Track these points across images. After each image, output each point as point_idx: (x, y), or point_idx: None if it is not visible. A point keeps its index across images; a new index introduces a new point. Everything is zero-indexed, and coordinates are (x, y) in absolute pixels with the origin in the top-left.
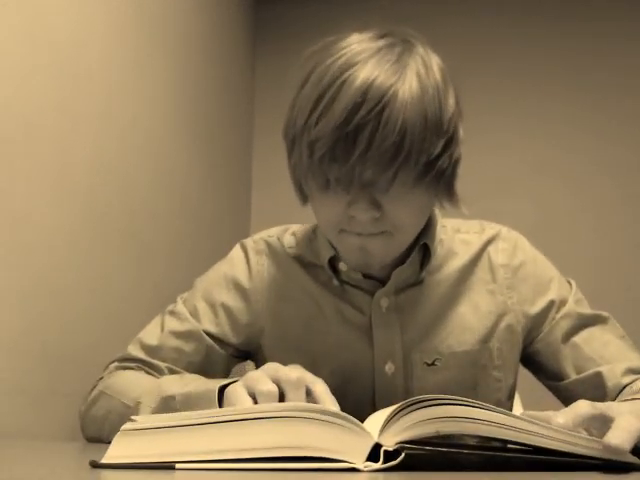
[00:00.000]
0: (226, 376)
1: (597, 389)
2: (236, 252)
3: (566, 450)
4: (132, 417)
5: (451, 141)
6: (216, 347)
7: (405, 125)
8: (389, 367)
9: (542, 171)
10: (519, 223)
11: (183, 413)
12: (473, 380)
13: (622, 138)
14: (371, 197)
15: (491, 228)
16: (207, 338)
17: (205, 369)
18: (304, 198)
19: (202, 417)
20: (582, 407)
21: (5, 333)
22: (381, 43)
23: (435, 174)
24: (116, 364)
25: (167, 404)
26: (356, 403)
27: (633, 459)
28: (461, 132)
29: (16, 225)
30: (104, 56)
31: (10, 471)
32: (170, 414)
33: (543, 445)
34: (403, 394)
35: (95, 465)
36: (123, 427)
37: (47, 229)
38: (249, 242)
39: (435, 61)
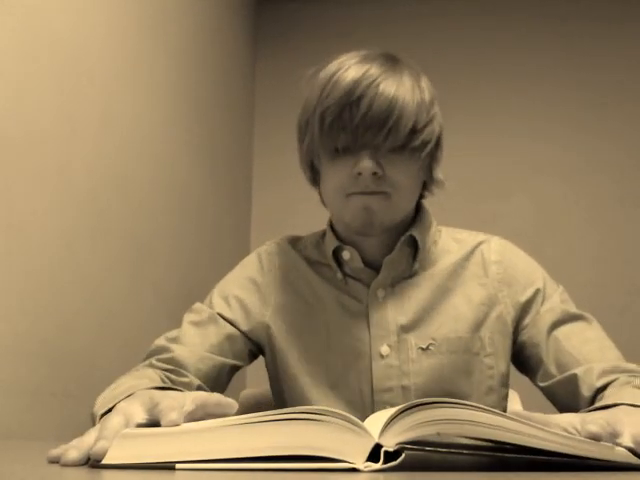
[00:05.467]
0: (243, 359)
1: (574, 395)
2: (250, 256)
3: (566, 452)
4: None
5: (432, 119)
6: (232, 328)
7: (396, 96)
8: (385, 349)
9: (541, 171)
10: (518, 223)
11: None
12: (466, 366)
13: (620, 137)
14: (372, 156)
15: (484, 235)
16: (222, 320)
17: (227, 350)
18: (314, 179)
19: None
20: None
21: (5, 334)
22: (373, 53)
23: (420, 143)
24: (143, 362)
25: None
26: (356, 388)
27: (633, 459)
28: (440, 118)
29: (16, 226)
30: (105, 58)
31: (10, 471)
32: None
33: (544, 447)
34: (399, 376)
35: (95, 466)
36: (124, 431)
37: (47, 230)
38: (262, 247)
39: (420, 71)
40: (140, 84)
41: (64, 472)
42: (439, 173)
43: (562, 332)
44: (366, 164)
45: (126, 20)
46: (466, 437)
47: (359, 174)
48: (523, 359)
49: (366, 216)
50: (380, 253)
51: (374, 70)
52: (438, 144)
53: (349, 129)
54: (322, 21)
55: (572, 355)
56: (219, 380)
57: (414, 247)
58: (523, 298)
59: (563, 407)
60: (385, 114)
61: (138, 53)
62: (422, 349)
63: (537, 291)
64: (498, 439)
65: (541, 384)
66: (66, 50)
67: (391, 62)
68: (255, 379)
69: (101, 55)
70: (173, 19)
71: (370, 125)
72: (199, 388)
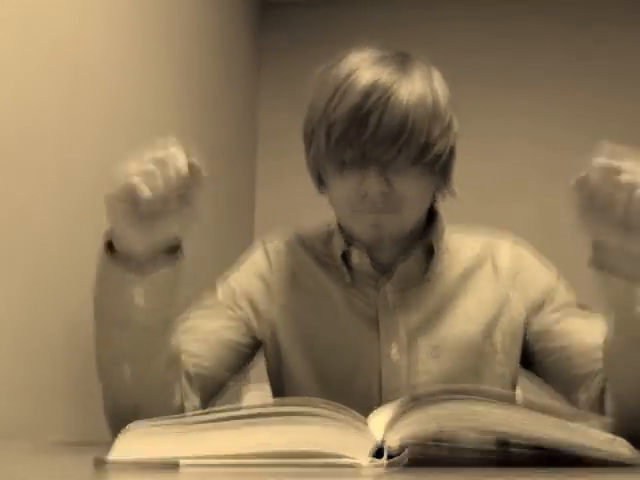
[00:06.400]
0: (248, 347)
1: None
2: (257, 251)
3: (570, 443)
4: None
5: (447, 129)
6: (240, 318)
7: (408, 110)
8: (394, 351)
9: (547, 174)
10: (524, 226)
11: (187, 414)
12: (476, 369)
13: (625, 140)
14: (380, 173)
15: (496, 236)
16: (230, 310)
17: (236, 335)
18: (321, 186)
19: (206, 417)
20: None
21: (6, 333)
22: (383, 54)
23: (433, 157)
24: None
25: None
26: (364, 389)
27: (633, 456)
28: (456, 123)
29: (18, 223)
30: (107, 57)
31: (10, 471)
32: (172, 418)
33: (546, 438)
34: (408, 378)
35: (99, 463)
36: (129, 426)
37: (49, 228)
38: (269, 244)
39: (433, 68)
40: (143, 86)
41: (65, 472)
42: (451, 183)
43: (571, 324)
44: (373, 185)
45: (129, 21)
46: (470, 430)
47: (367, 193)
48: (529, 355)
49: (375, 232)
50: (391, 256)
51: (385, 78)
52: (452, 152)
53: (357, 145)
54: (326, 26)
55: (577, 346)
56: (228, 361)
57: (428, 252)
58: (535, 299)
59: (561, 378)
60: (396, 130)
61: (141, 54)
62: (432, 352)
63: (549, 291)
64: (500, 431)
65: (544, 363)
66: (67, 50)
67: (402, 65)
68: (259, 375)
69: (103, 56)
70: (176, 24)
71: (380, 142)
72: (203, 387)
